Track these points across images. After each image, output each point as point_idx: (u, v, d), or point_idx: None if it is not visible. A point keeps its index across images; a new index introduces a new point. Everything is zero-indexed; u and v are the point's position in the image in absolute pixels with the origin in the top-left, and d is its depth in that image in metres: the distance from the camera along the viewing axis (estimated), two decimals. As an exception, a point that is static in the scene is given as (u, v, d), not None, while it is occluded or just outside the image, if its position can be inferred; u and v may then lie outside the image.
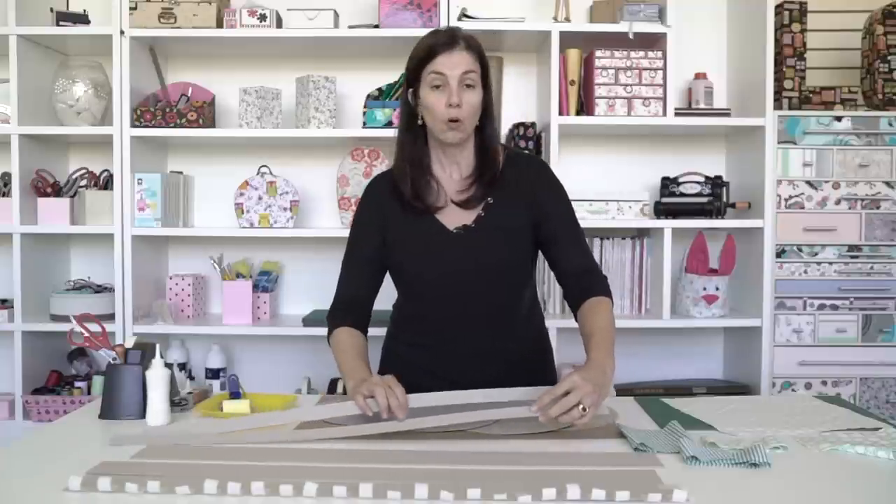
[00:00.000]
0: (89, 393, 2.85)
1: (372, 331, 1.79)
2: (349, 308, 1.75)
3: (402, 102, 1.73)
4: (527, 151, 2.86)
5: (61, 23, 2.82)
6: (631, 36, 2.76)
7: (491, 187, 1.72)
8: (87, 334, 1.70)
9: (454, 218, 1.73)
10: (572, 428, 1.43)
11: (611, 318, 1.64)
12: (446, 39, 1.63)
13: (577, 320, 1.68)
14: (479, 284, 1.71)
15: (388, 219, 1.75)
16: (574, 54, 2.83)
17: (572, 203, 1.78)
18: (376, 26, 2.81)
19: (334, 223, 3.04)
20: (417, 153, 1.73)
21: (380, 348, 1.89)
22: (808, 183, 2.78)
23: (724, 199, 2.88)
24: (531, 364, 1.81)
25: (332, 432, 1.45)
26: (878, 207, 2.78)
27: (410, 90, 1.69)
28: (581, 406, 1.37)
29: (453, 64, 1.62)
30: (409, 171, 1.72)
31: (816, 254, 2.78)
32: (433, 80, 1.63)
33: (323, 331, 1.78)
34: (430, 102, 1.64)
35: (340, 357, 1.67)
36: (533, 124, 2.93)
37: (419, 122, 1.70)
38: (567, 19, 2.81)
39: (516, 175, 1.74)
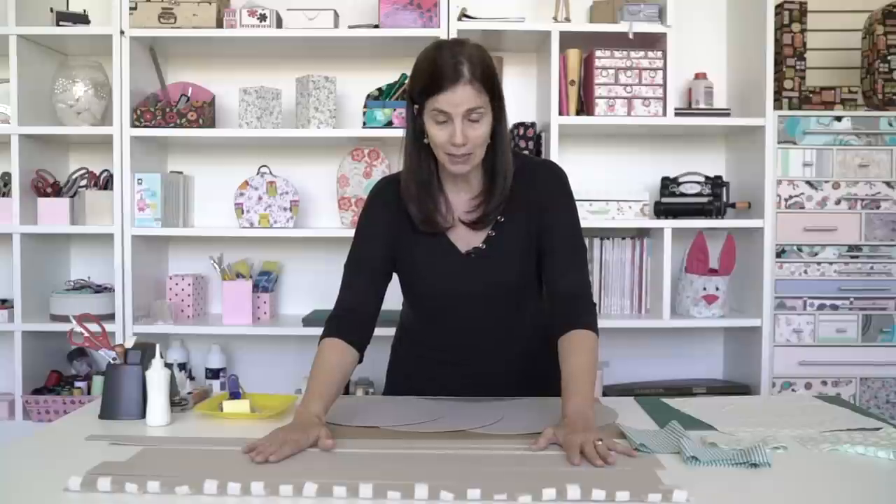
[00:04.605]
0: (89, 393, 2.85)
1: (380, 330, 1.73)
2: (348, 319, 1.64)
3: (407, 115, 1.62)
4: (526, 152, 2.87)
5: (61, 23, 2.82)
6: (631, 36, 2.76)
7: (501, 204, 1.65)
8: (87, 334, 1.70)
9: (465, 238, 1.67)
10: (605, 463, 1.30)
11: (594, 358, 1.56)
12: (450, 72, 1.49)
13: (557, 348, 1.58)
14: (487, 304, 1.70)
15: (398, 235, 1.67)
16: (574, 54, 2.83)
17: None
18: (376, 26, 2.81)
19: (334, 223, 3.04)
20: (425, 173, 1.63)
21: (388, 347, 1.89)
22: (808, 183, 2.78)
23: (724, 199, 2.88)
24: (536, 376, 1.77)
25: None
26: (878, 207, 2.78)
27: (416, 106, 1.57)
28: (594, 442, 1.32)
29: (456, 102, 1.49)
30: (417, 191, 1.63)
31: (816, 254, 2.78)
32: (436, 116, 1.52)
33: (322, 331, 1.76)
34: (433, 134, 1.54)
35: (310, 377, 1.55)
36: (533, 124, 2.93)
37: (425, 140, 1.58)
38: (567, 19, 2.81)
39: (528, 186, 1.66)
